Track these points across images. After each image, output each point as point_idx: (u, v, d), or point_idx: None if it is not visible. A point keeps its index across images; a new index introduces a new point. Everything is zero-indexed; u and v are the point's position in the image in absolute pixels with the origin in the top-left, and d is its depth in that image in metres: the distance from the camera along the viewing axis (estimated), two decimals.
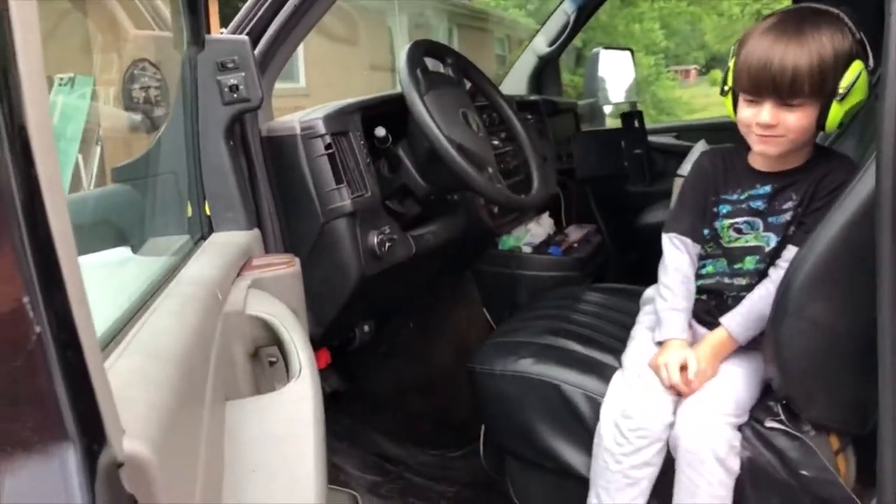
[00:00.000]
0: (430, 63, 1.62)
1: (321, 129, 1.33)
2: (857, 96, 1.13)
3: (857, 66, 1.11)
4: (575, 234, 2.15)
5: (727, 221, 1.31)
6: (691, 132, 2.78)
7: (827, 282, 1.08)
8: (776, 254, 1.26)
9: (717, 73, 18.31)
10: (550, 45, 2.74)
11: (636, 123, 2.12)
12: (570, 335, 1.46)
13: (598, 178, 2.29)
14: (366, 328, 1.62)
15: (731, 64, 1.22)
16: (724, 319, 1.26)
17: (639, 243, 2.41)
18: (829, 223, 1.07)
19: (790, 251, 1.22)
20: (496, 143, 1.92)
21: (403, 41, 12.09)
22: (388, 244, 1.43)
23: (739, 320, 1.25)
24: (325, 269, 1.37)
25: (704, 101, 13.59)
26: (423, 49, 1.54)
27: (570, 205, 2.33)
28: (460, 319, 2.02)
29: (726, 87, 1.23)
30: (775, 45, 1.11)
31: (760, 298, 1.23)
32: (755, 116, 1.15)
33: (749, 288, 1.28)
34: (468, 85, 1.71)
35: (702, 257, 1.35)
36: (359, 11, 9.66)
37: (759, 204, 1.27)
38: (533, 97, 2.45)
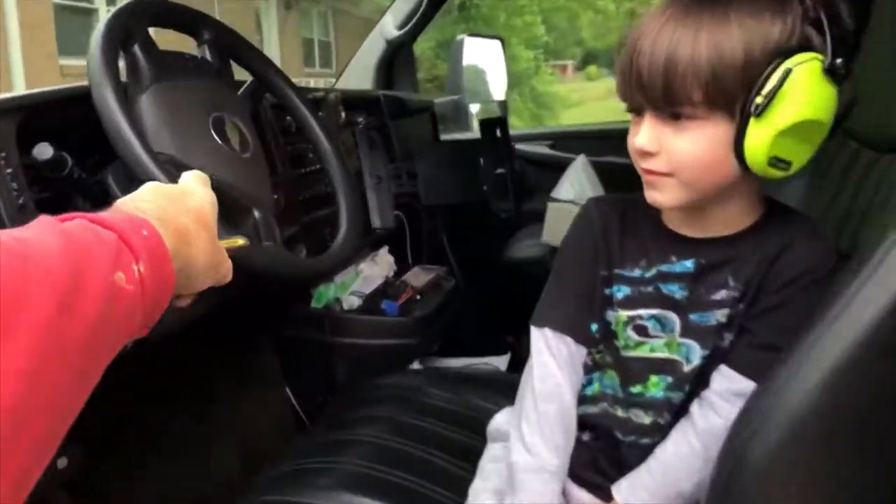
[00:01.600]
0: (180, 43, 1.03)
1: None
2: (798, 111, 0.65)
3: (799, 60, 0.65)
4: (419, 278, 1.61)
5: (624, 313, 0.80)
6: (570, 141, 2.31)
7: (818, 460, 0.59)
8: (700, 379, 0.77)
9: (593, 69, 18.69)
10: (401, 27, 2.19)
11: (498, 133, 1.61)
12: (401, 463, 0.96)
13: (450, 206, 1.76)
14: (61, 463, 1.01)
15: None
16: (617, 491, 0.76)
17: (504, 286, 1.90)
18: (817, 343, 0.58)
19: (734, 381, 0.72)
20: (303, 170, 1.35)
21: (273, 26, 11.24)
22: None
23: (643, 495, 0.74)
24: None
25: (580, 94, 13.62)
26: (142, 13, 0.94)
27: (417, 236, 1.79)
28: (253, 405, 1.43)
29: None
30: (660, 29, 0.68)
31: (678, 461, 0.74)
32: (632, 139, 0.73)
33: (655, 433, 0.78)
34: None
35: (587, 368, 0.84)
36: None
37: (674, 289, 0.78)
38: (373, 93, 1.89)
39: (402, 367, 1.48)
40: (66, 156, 0.84)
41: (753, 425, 0.63)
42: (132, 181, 0.85)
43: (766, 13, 0.66)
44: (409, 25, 2.17)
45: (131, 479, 1.25)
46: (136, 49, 0.92)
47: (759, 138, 0.66)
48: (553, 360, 0.82)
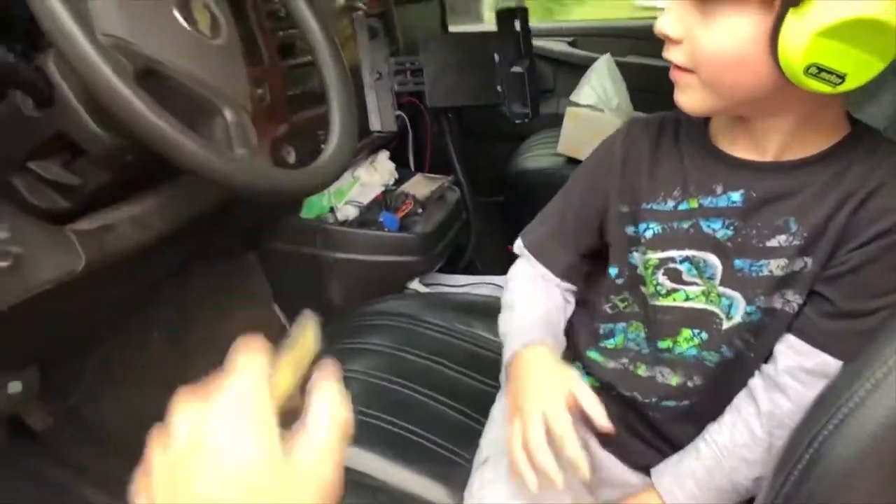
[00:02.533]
0: None
1: None
2: (850, 4, 0.49)
3: None
4: (422, 188, 1.46)
5: (654, 255, 0.67)
6: (593, 38, 2.11)
7: None
8: (745, 341, 0.65)
9: None
10: None
11: (517, 25, 1.41)
12: (398, 408, 0.86)
13: (458, 108, 1.58)
14: (13, 387, 0.89)
15: None
16: (659, 482, 0.65)
17: (514, 199, 1.75)
18: None
19: (806, 356, 0.59)
20: (293, 62, 1.18)
21: None
22: None
23: (691, 486, 0.63)
24: None
25: None
26: None
27: (421, 140, 1.62)
28: (237, 325, 1.31)
29: None
30: None
31: (735, 449, 0.62)
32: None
33: (682, 396, 0.67)
34: None
35: (606, 317, 0.72)
36: None
37: (717, 226, 0.64)
38: None
39: (400, 287, 1.36)
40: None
41: (839, 414, 0.50)
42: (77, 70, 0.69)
43: None
44: None
45: (101, 401, 1.15)
46: None
47: (796, 37, 0.51)
48: (530, 285, 0.76)
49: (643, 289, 0.69)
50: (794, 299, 0.62)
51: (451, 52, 1.41)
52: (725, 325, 0.65)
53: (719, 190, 0.64)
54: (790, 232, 0.61)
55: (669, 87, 0.63)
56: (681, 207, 0.66)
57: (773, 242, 0.62)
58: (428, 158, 1.65)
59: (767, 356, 0.64)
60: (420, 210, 1.38)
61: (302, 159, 1.17)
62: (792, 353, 0.61)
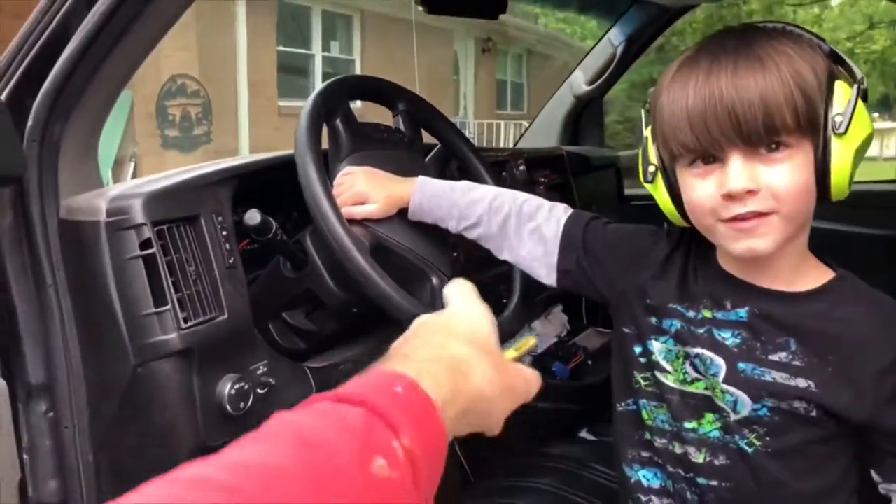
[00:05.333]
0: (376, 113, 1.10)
1: (137, 215, 0.82)
2: (864, 129, 0.69)
3: (844, 87, 0.69)
4: (593, 341, 1.58)
5: (681, 348, 0.79)
6: None
7: None
8: (769, 439, 0.74)
9: None
10: (591, 83, 2.19)
11: None
12: None
13: None
14: None
15: (647, 133, 0.79)
16: None
17: None
18: None
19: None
20: None
21: (469, 68, 11.70)
22: (253, 394, 0.90)
23: None
24: (137, 437, 0.86)
25: None
26: (345, 89, 1.02)
27: None
28: None
29: (651, 167, 0.76)
30: (715, 74, 0.69)
31: None
32: (720, 187, 0.69)
33: (712, 475, 0.77)
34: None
35: (636, 391, 0.84)
36: (422, 34, 9.30)
37: (727, 335, 0.76)
38: (557, 150, 1.89)
39: (570, 434, 1.46)
40: (270, 220, 0.92)
41: None
42: (327, 247, 0.93)
43: (800, 47, 0.69)
44: (599, 81, 2.16)
45: None
46: (338, 122, 1.00)
47: (844, 157, 0.67)
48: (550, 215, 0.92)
49: (660, 375, 0.80)
50: (804, 408, 0.72)
51: (625, 217, 1.56)
52: (733, 417, 0.74)
53: (729, 306, 0.76)
54: (790, 350, 0.72)
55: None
56: (698, 317, 0.77)
57: (774, 357, 0.72)
58: (601, 313, 1.77)
59: (787, 456, 0.73)
60: (590, 362, 1.49)
61: None
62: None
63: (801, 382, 0.72)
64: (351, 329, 1.09)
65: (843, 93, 0.68)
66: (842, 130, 0.66)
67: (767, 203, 0.68)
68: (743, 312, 0.75)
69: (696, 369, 0.78)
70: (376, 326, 1.14)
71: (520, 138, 2.36)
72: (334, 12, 9.23)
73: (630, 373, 0.84)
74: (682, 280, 0.80)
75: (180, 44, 6.15)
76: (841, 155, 0.67)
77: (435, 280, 0.99)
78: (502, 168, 1.56)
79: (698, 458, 0.77)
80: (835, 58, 0.70)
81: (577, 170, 1.87)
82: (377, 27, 9.19)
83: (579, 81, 2.22)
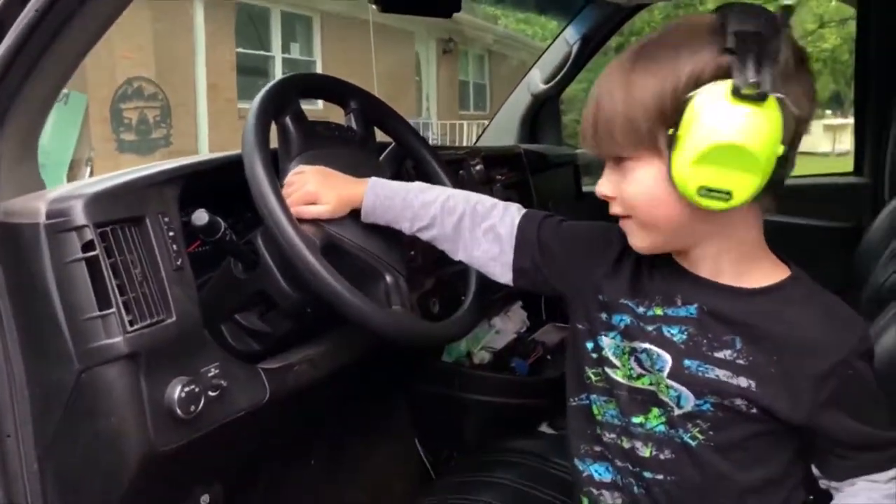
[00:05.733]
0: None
1: (78, 217, 0.80)
2: (706, 136, 0.65)
3: (705, 90, 0.66)
4: (552, 336, 1.59)
5: (628, 344, 0.80)
6: None
7: None
8: (712, 433, 0.75)
9: None
10: (548, 81, 2.21)
11: None
12: None
13: None
14: (204, 500, 1.08)
15: None
16: None
17: None
18: None
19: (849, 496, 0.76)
20: None
21: (431, 69, 11.71)
22: (204, 397, 0.89)
23: None
24: (83, 444, 0.84)
25: None
26: (295, 87, 1.01)
27: None
28: (382, 458, 1.46)
29: None
30: (600, 82, 0.75)
31: None
32: None
33: (658, 469, 0.77)
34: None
35: (586, 386, 0.85)
36: (383, 36, 9.27)
37: (674, 331, 0.77)
38: (515, 148, 1.90)
39: (531, 428, 1.46)
40: (219, 221, 0.91)
41: None
42: (277, 245, 0.92)
43: (681, 54, 0.67)
44: (556, 80, 2.18)
45: None
46: (288, 120, 0.99)
47: (681, 170, 0.67)
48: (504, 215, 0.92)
49: (609, 371, 0.80)
50: (745, 405, 0.73)
51: (581, 215, 1.57)
52: (677, 411, 0.75)
53: (679, 302, 0.76)
54: (735, 348, 0.73)
55: None
56: (649, 313, 0.78)
57: (719, 354, 0.73)
58: (559, 308, 1.78)
59: (729, 450, 0.74)
60: (549, 357, 1.50)
61: (445, 309, 1.35)
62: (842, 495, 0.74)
63: (743, 381, 0.72)
64: (306, 329, 1.08)
65: (705, 100, 0.65)
66: (670, 145, 0.67)
67: (622, 209, 0.74)
68: (693, 309, 0.76)
69: (641, 365, 0.78)
70: (331, 326, 1.13)
71: (479, 138, 2.37)
72: (294, 13, 9.15)
73: (582, 368, 0.85)
74: (635, 276, 0.80)
75: (135, 45, 6.05)
76: (679, 167, 0.67)
77: (389, 278, 0.98)
78: (459, 167, 1.56)
79: (645, 452, 0.78)
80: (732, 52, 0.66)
81: (534, 167, 1.88)
82: (338, 28, 9.14)
83: (536, 80, 2.24)
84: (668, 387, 0.76)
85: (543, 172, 1.95)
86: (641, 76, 0.69)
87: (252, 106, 0.94)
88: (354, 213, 0.99)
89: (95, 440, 0.83)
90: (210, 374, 0.91)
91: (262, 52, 8.67)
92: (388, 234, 1.03)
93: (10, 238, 0.83)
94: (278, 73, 8.61)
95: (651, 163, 0.70)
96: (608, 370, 0.81)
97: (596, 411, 0.83)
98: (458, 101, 12.63)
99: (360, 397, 1.40)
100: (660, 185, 0.69)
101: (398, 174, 1.28)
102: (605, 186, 0.75)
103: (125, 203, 0.85)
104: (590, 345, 0.84)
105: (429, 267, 1.38)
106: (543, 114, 2.30)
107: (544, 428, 1.47)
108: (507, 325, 1.64)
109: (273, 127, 0.98)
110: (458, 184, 1.20)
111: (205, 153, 1.07)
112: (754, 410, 0.73)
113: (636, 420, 0.79)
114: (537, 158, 1.91)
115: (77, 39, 0.81)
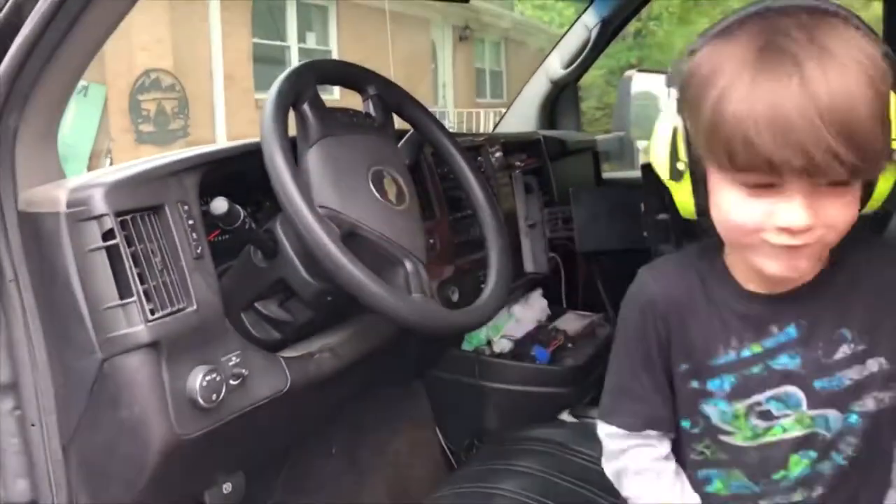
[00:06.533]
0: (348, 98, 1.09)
1: (98, 206, 0.80)
2: None
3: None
4: (572, 324, 1.57)
5: (740, 405, 0.72)
6: None
7: None
8: (863, 445, 0.71)
9: None
10: (566, 66, 2.18)
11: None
12: None
13: (607, 252, 1.70)
14: (226, 487, 1.08)
15: (678, 122, 0.67)
16: None
17: None
18: None
19: None
20: (459, 215, 1.38)
21: (447, 56, 11.65)
22: (226, 386, 0.88)
23: None
24: (106, 433, 0.84)
25: None
26: (312, 74, 1.00)
27: (573, 279, 1.75)
28: (403, 446, 1.46)
29: (680, 165, 0.67)
30: (784, 79, 0.57)
31: None
32: (770, 217, 0.61)
33: (828, 496, 0.71)
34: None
35: (696, 464, 0.77)
36: (398, 24, 9.24)
37: (785, 360, 0.71)
38: (534, 135, 1.89)
39: (551, 417, 1.45)
40: (238, 209, 0.90)
41: None
42: (297, 233, 0.91)
43: (867, 43, 0.60)
44: (575, 65, 2.15)
45: None
46: (305, 107, 0.98)
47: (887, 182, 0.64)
48: (635, 451, 0.78)
49: (725, 438, 0.73)
50: (884, 396, 0.69)
51: (600, 201, 1.56)
52: (828, 437, 0.70)
53: (775, 330, 0.70)
54: (848, 341, 0.69)
55: None
56: (744, 354, 0.71)
57: (839, 355, 0.69)
58: (580, 296, 1.77)
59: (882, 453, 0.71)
60: (570, 345, 1.49)
61: (464, 297, 1.34)
62: None
63: (872, 365, 0.69)
64: (327, 317, 1.08)
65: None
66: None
67: (817, 237, 0.62)
68: (792, 330, 0.70)
69: (766, 416, 0.72)
70: (352, 314, 1.12)
71: (497, 124, 2.35)
72: (310, 3, 9.14)
73: (682, 449, 0.78)
74: (696, 326, 0.73)
75: (153, 38, 6.07)
76: (886, 181, 0.63)
77: (409, 265, 0.97)
78: (477, 153, 1.55)
79: (794, 497, 0.72)
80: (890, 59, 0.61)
81: (554, 154, 1.86)
82: (354, 17, 9.12)
83: (555, 66, 2.21)
84: (812, 418, 0.70)
85: (563, 159, 1.93)
86: (863, 66, 0.58)
87: (269, 93, 0.93)
88: (372, 199, 0.98)
89: (119, 428, 0.83)
90: (231, 363, 0.91)
91: (278, 42, 8.67)
92: (407, 220, 1.02)
93: (31, 228, 0.83)
94: (294, 63, 8.62)
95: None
96: (723, 438, 0.74)
97: (721, 486, 0.76)
98: (475, 88, 12.57)
99: (381, 386, 1.40)
100: (857, 199, 0.63)
101: (417, 161, 1.27)
102: (801, 217, 0.59)
103: (145, 191, 0.85)
104: (685, 423, 0.76)
105: (448, 254, 1.37)
106: (562, 100, 2.27)
107: (565, 416, 1.46)
108: (528, 314, 1.63)
109: (292, 114, 0.97)
110: (474, 173, 1.18)
111: (223, 142, 1.07)
112: (889, 398, 0.69)
113: (776, 476, 0.72)
114: (556, 145, 1.89)
115: (95, 27, 0.81)
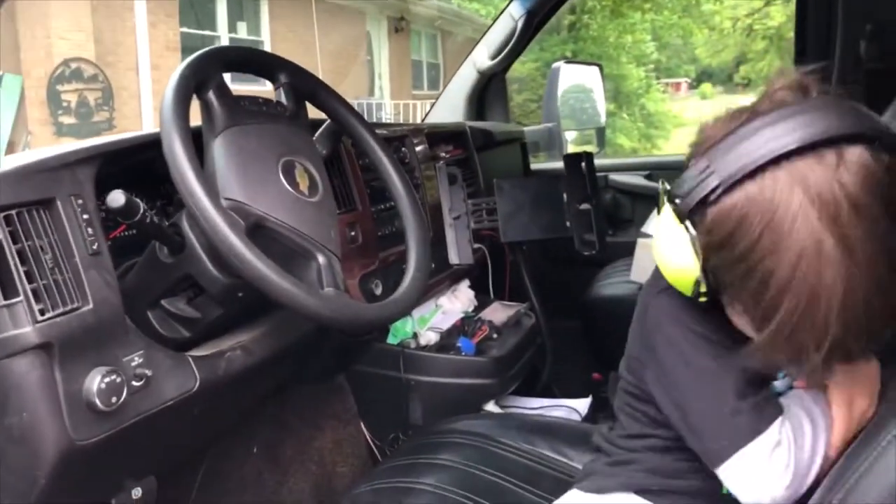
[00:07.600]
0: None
1: None
2: None
3: None
4: (498, 315, 1.57)
5: None
6: (667, 171, 2.22)
7: None
8: None
9: (708, 87, 18.01)
10: (493, 57, 2.18)
11: (583, 168, 1.55)
12: None
13: (530, 242, 1.71)
14: (135, 493, 1.03)
15: (694, 250, 0.66)
16: None
17: (589, 325, 1.83)
18: None
19: None
20: (382, 207, 1.36)
21: (383, 48, 11.56)
22: (127, 387, 0.84)
23: None
24: None
25: (693, 113, 13.06)
26: (218, 60, 0.96)
27: (500, 270, 1.75)
28: (327, 443, 1.43)
29: (700, 290, 0.67)
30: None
31: None
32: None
33: None
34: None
35: None
36: (333, 15, 9.11)
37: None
38: (460, 125, 1.87)
39: (477, 408, 1.45)
40: (138, 202, 0.86)
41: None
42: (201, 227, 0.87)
43: None
44: (501, 56, 2.15)
45: None
46: (210, 95, 0.94)
47: None
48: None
49: None
50: None
51: (524, 192, 1.56)
52: None
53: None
54: None
55: None
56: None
57: None
58: (507, 287, 1.77)
59: None
60: (495, 335, 1.49)
61: (388, 290, 1.32)
62: None
63: None
64: (239, 314, 1.04)
65: None
66: None
67: None
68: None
69: None
70: (265, 311, 1.09)
71: (426, 116, 2.33)
72: None
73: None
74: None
75: (73, 26, 5.81)
76: None
77: (321, 259, 0.95)
78: (401, 144, 1.53)
79: None
80: None
81: (480, 145, 1.85)
82: (286, 7, 8.94)
83: (482, 56, 2.20)
84: None
85: (491, 150, 1.93)
86: None
87: (170, 80, 0.89)
88: (281, 191, 0.95)
89: (6, 436, 0.78)
90: (133, 363, 0.87)
91: (208, 32, 8.43)
92: (320, 213, 0.99)
93: None
94: None
95: None
96: None
97: None
98: (412, 80, 12.50)
99: (303, 382, 1.37)
100: None
101: (335, 152, 1.24)
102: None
103: (33, 185, 0.80)
104: None
105: (371, 247, 1.35)
106: (491, 91, 2.27)
107: (491, 406, 1.46)
108: (455, 305, 1.62)
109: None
110: (394, 164, 1.16)
111: (126, 132, 1.02)
112: None
113: None
114: (483, 136, 1.89)
115: None
